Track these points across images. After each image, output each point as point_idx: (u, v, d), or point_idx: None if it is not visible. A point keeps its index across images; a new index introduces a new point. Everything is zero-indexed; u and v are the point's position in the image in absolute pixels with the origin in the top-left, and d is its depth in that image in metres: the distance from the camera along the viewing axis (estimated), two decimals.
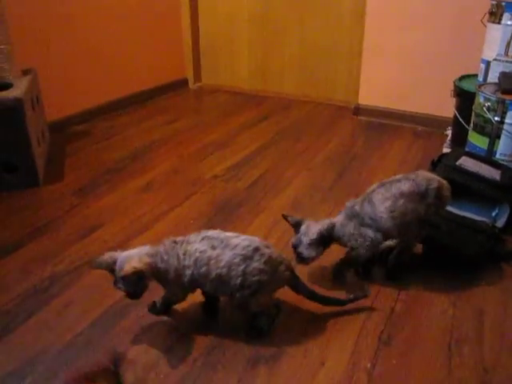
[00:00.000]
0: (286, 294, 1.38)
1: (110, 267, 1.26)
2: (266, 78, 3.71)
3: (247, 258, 1.23)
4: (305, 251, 1.48)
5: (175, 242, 1.29)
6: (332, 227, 1.50)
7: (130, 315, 1.42)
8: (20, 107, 2.06)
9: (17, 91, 2.11)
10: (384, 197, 1.45)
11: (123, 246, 1.74)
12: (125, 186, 2.22)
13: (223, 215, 1.96)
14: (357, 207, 1.48)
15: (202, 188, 2.19)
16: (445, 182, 1.52)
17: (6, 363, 1.25)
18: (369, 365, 1.25)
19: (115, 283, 1.26)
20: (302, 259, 1.50)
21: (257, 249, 1.25)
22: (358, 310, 1.44)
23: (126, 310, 1.43)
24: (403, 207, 1.43)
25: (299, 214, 1.95)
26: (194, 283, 1.28)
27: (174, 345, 1.32)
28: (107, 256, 1.28)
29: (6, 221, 1.93)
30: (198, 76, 3.98)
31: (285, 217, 1.57)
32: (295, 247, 1.50)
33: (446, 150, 2.64)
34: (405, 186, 1.45)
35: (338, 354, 1.29)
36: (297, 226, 1.53)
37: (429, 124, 3.02)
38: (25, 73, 2.40)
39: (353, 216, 1.48)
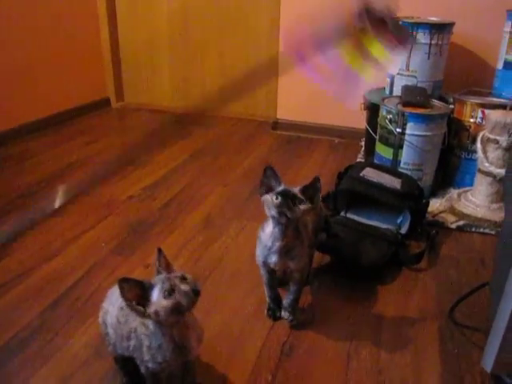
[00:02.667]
0: None
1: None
2: (187, 95, 3.73)
3: None
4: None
5: None
6: None
7: (32, 347, 1.38)
8: None
9: None
10: None
11: (30, 273, 1.71)
12: (36, 211, 2.16)
13: (135, 236, 1.95)
14: None
15: (116, 210, 2.18)
16: None
17: None
18: (270, 377, 1.28)
19: None
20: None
21: None
22: (263, 321, 1.48)
23: (27, 341, 1.39)
24: None
25: (211, 230, 2.00)
26: None
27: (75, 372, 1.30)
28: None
29: None
30: (120, 95, 3.94)
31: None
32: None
33: (360, 160, 2.75)
34: None
35: (241, 368, 1.31)
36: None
37: (345, 136, 3.13)
38: None
39: None
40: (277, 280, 1.50)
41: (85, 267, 1.74)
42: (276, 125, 3.30)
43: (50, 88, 3.28)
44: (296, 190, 1.31)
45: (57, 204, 2.17)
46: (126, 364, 1.22)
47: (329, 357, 1.36)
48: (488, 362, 1.27)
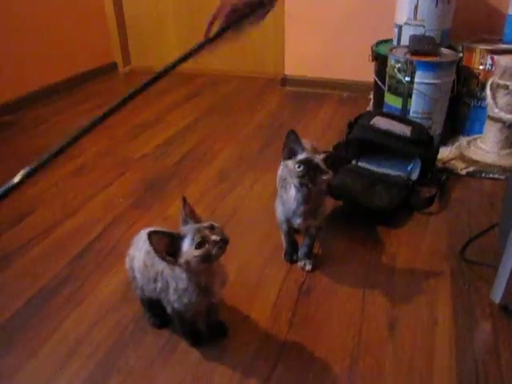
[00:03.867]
0: None
1: None
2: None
3: None
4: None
5: None
6: None
7: (63, 294, 1.45)
8: None
9: None
10: None
11: (54, 229, 1.77)
12: (55, 172, 2.21)
13: (152, 191, 2.01)
14: None
15: (132, 168, 2.23)
16: None
17: None
18: (290, 314, 1.35)
19: None
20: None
21: None
22: (279, 266, 1.54)
23: (56, 291, 1.46)
24: None
25: (225, 183, 2.05)
26: None
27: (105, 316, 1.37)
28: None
29: None
30: (127, 59, 3.94)
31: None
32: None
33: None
34: None
35: (261, 307, 1.38)
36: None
37: (354, 90, 3.13)
38: None
39: None
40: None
41: (106, 221, 1.81)
42: (284, 81, 3.30)
43: (56, 54, 3.28)
44: (319, 158, 1.30)
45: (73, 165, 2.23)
46: (153, 306, 1.29)
47: (345, 295, 1.42)
48: (496, 294, 1.33)
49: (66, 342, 1.28)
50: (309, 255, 1.53)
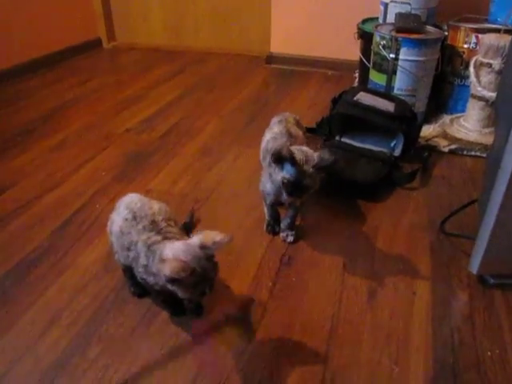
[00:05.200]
0: None
1: None
2: (180, 32, 3.69)
3: None
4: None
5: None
6: None
7: (44, 264, 1.44)
8: None
9: None
10: None
11: (34, 202, 1.76)
12: (36, 146, 2.19)
13: (135, 165, 2.00)
14: None
15: (115, 142, 2.21)
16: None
17: None
18: (270, 283, 1.36)
19: None
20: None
21: None
22: (261, 237, 1.55)
23: (38, 262, 1.46)
24: None
25: (209, 157, 2.04)
26: None
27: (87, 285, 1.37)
28: None
29: None
30: (111, 35, 3.89)
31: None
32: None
33: None
34: None
35: (243, 277, 1.39)
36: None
37: (338, 68, 3.13)
38: None
39: None
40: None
41: (88, 194, 1.80)
42: (270, 59, 3.29)
43: (41, 28, 3.23)
44: (309, 169, 1.29)
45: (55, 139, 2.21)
46: (134, 275, 1.29)
47: (326, 266, 1.44)
48: (474, 265, 1.36)
49: (47, 311, 1.28)
50: (291, 227, 1.54)
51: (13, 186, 1.88)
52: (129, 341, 1.20)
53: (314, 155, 1.32)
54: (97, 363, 1.14)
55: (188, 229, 1.49)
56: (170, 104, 2.64)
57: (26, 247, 1.51)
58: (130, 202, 1.22)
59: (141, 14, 3.74)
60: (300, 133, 1.62)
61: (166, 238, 1.13)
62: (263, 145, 1.60)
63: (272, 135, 1.57)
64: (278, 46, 3.26)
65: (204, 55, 3.53)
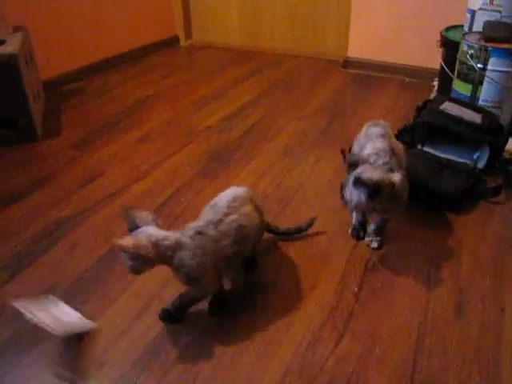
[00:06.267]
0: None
1: (131, 225, 1.19)
2: (256, 33, 3.73)
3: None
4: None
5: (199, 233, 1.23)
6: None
7: None
8: (15, 63, 2.09)
9: (10, 47, 2.14)
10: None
11: (123, 191, 1.84)
12: (122, 138, 2.29)
13: (217, 162, 2.05)
14: None
15: (197, 138, 2.27)
16: None
17: (22, 296, 1.35)
18: (356, 288, 1.37)
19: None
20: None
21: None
22: (345, 241, 1.56)
23: None
24: None
25: (290, 158, 2.07)
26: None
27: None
28: (140, 216, 1.21)
29: (9, 173, 2.01)
30: (189, 33, 3.99)
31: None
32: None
33: None
34: None
35: (329, 280, 1.40)
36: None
37: (416, 75, 3.08)
38: (15, 30, 2.42)
39: None
40: None
41: (173, 187, 1.86)
42: (346, 63, 3.28)
43: (124, 26, 3.37)
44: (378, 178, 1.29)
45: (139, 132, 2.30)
46: None
47: (411, 274, 1.43)
48: None
49: (139, 297, 1.34)
50: (378, 233, 1.54)
51: (101, 175, 1.97)
52: (214, 333, 1.24)
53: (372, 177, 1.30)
54: (187, 352, 1.19)
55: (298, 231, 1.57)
56: (248, 103, 2.69)
57: (115, 235, 1.58)
58: None
59: (218, 15, 3.81)
60: (400, 146, 1.58)
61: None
62: (355, 149, 1.60)
63: (374, 150, 1.49)
64: (355, 51, 3.25)
65: (280, 57, 3.56)
